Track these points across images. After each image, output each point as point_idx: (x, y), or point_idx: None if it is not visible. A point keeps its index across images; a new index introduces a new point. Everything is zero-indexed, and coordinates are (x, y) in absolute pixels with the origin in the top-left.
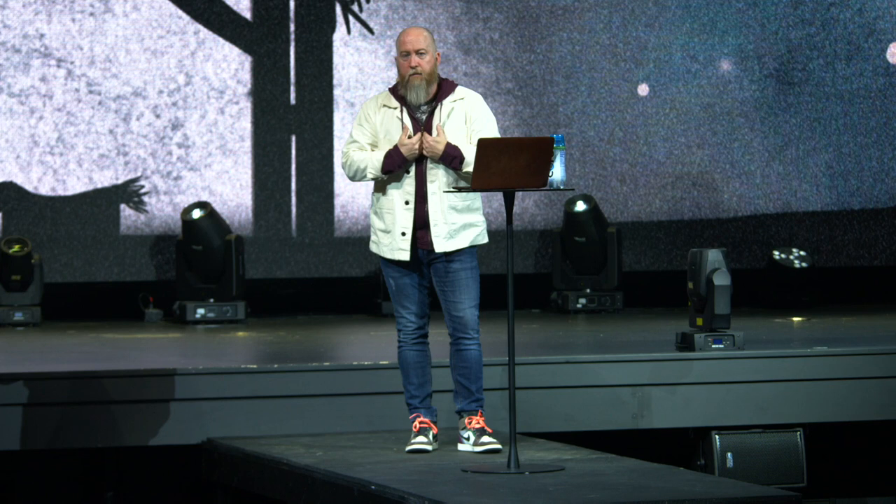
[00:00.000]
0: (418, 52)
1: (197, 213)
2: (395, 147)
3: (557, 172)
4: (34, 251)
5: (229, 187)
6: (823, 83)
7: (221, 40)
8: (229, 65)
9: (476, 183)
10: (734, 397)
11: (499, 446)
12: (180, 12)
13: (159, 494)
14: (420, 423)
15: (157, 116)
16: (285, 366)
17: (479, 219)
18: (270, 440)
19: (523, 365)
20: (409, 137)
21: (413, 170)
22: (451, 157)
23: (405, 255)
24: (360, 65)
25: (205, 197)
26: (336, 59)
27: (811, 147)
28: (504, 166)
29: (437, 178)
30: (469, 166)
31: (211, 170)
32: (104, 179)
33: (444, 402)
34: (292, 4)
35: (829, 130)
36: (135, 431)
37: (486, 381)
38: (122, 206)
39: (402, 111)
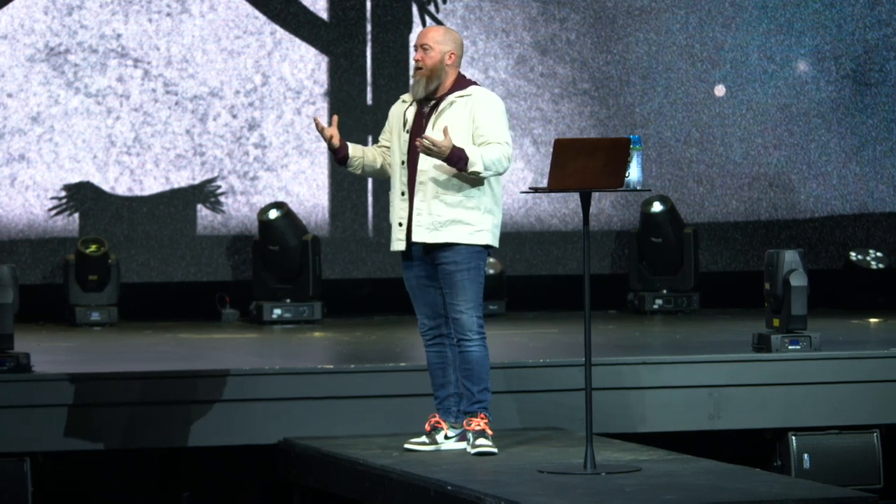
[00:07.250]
0: (423, 47)
1: (273, 214)
2: None
3: (634, 173)
4: (111, 251)
5: (306, 188)
6: None
7: (298, 41)
8: (306, 65)
9: (552, 183)
10: (811, 398)
11: (493, 450)
12: (257, 13)
13: (235, 494)
14: (434, 422)
15: (234, 117)
16: (362, 366)
17: (474, 217)
18: (347, 440)
19: (600, 366)
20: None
21: (406, 160)
22: (455, 159)
23: (401, 246)
24: None
25: (281, 197)
26: (412, 60)
27: (888, 148)
28: (580, 167)
29: (426, 170)
30: (474, 166)
31: (287, 170)
32: (181, 180)
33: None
34: (369, 5)
35: None
36: (211, 431)
37: (562, 381)
38: (199, 206)
39: (412, 105)
